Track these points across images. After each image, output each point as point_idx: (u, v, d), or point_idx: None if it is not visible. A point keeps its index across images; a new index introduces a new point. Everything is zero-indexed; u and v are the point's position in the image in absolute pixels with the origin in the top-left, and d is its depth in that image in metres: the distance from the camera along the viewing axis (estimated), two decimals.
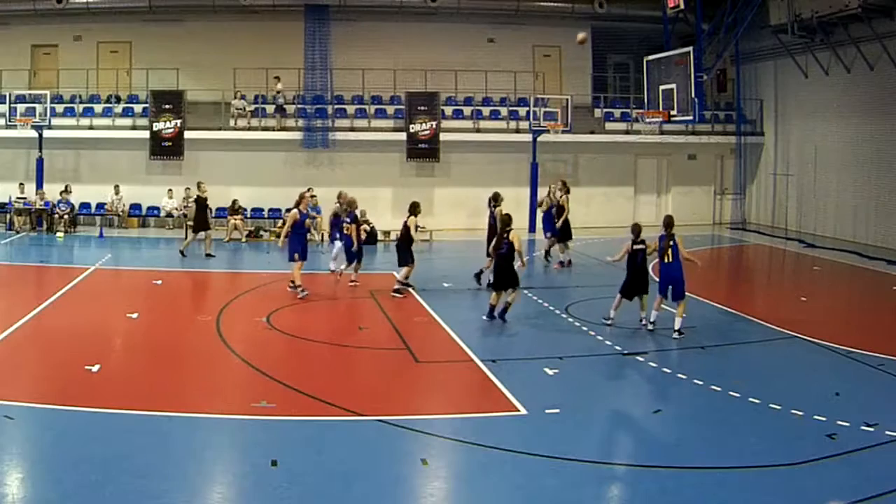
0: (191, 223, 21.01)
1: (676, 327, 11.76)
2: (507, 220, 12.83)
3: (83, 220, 23.66)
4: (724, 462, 7.46)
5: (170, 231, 23.30)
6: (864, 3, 20.04)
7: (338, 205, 15.83)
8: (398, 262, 15.20)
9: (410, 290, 14.89)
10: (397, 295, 14.47)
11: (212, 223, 19.31)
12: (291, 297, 14.37)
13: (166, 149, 23.61)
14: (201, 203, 18.94)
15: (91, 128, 23.95)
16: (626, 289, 12.25)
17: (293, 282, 14.51)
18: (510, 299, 12.68)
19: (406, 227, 15.03)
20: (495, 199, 16.34)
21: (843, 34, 21.95)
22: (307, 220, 14.77)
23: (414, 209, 15.20)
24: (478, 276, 15.42)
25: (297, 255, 14.32)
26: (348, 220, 15.20)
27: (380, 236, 22.53)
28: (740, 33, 24.07)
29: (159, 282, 15.97)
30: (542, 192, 18.86)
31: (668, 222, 12.25)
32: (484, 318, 12.76)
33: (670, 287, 11.89)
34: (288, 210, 23.22)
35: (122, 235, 22.70)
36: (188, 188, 23.06)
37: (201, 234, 19.04)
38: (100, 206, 23.86)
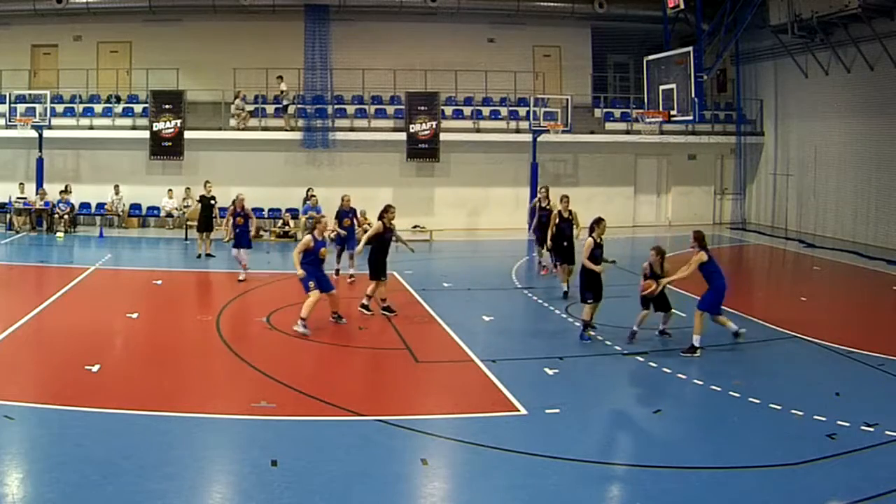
0: (192, 223, 21.04)
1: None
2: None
3: (83, 220, 23.66)
4: (724, 462, 7.46)
5: (170, 231, 23.29)
6: (864, 3, 20.04)
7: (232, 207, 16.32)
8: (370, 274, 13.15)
9: (386, 313, 12.92)
10: (365, 311, 12.91)
11: (216, 224, 19.32)
12: (292, 297, 14.32)
13: (166, 149, 23.61)
14: (205, 202, 18.96)
15: (91, 128, 23.95)
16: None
17: (302, 318, 11.91)
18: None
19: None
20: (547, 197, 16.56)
21: (843, 34, 21.95)
22: (322, 250, 12.12)
23: (384, 213, 13.23)
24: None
25: (312, 284, 11.93)
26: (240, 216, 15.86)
27: None
28: (740, 33, 24.07)
29: (159, 282, 15.97)
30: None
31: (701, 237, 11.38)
32: (585, 340, 11.73)
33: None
34: (289, 211, 23.63)
35: (122, 235, 22.70)
36: (188, 188, 23.08)
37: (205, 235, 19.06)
38: (100, 206, 23.86)
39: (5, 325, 11.44)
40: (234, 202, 16.34)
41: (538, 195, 17.46)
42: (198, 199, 19.99)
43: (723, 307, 11.47)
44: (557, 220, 14.99)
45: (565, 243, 14.68)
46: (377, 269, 12.91)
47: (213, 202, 19.11)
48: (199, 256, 18.74)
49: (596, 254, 11.62)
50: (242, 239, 16.00)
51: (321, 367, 10.65)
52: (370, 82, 25.48)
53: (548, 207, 16.69)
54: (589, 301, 11.68)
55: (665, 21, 24.31)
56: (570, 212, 14.92)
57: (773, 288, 18.42)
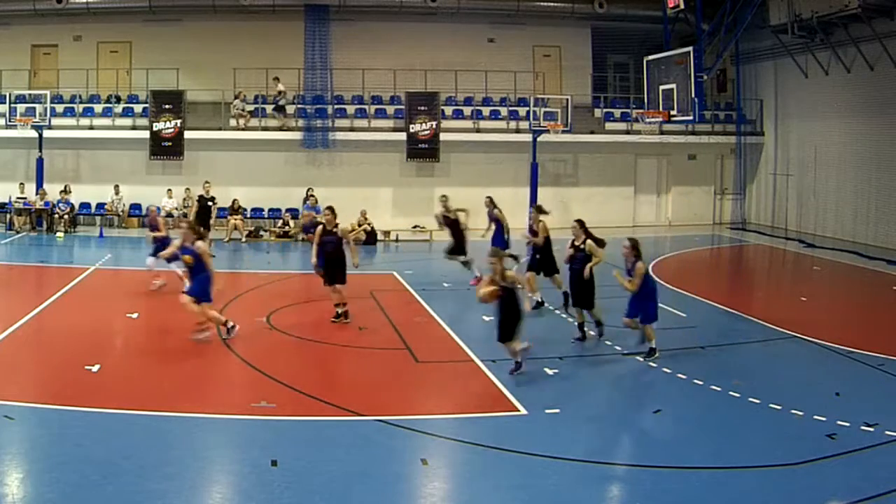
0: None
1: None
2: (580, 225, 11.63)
3: (83, 220, 23.65)
4: (724, 462, 7.46)
5: (170, 231, 23.25)
6: (864, 3, 20.04)
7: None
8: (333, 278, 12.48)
9: (343, 320, 12.46)
10: (344, 320, 12.48)
11: (212, 224, 19.31)
12: (292, 297, 14.33)
13: (166, 149, 23.61)
14: (203, 203, 19.06)
15: (91, 128, 23.94)
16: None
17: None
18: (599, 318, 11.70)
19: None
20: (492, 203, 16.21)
21: (843, 34, 21.95)
22: (186, 257, 11.30)
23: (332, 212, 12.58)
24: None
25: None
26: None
27: (380, 236, 22.57)
28: (740, 33, 24.08)
29: (159, 281, 15.95)
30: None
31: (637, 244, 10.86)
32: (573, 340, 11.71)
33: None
34: (289, 211, 23.63)
35: (122, 235, 22.69)
36: (188, 188, 23.09)
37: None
38: (100, 206, 23.85)
39: (5, 325, 11.44)
40: (148, 216, 15.73)
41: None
42: (196, 198, 20.02)
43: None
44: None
45: (537, 255, 13.92)
46: (326, 274, 12.35)
47: (210, 203, 19.16)
48: None
49: (578, 256, 11.47)
50: (159, 249, 14.60)
51: (321, 367, 10.64)
52: (370, 82, 25.48)
53: (451, 216, 16.15)
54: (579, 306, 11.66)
55: (665, 21, 24.33)
56: (539, 223, 14.01)
57: (773, 288, 18.42)
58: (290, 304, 13.84)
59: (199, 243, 11.22)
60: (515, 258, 16.11)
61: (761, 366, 10.78)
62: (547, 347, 11.37)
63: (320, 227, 12.48)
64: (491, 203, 16.85)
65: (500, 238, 16.29)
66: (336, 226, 12.37)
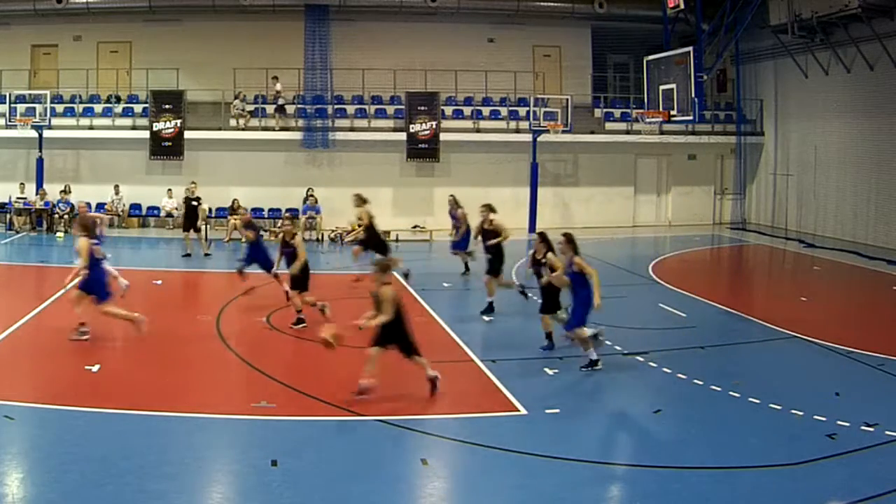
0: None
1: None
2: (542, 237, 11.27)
3: None
4: (724, 462, 7.46)
5: (170, 231, 23.28)
6: (864, 3, 20.05)
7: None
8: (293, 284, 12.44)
9: (302, 325, 12.20)
10: (297, 326, 12.22)
11: (202, 224, 19.32)
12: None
13: (166, 149, 23.62)
14: (188, 203, 19.15)
15: (91, 128, 23.95)
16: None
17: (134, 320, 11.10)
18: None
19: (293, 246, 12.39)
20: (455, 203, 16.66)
21: (843, 34, 21.95)
22: (97, 248, 11.19)
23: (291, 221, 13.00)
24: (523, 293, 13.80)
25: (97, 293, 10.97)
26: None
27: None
28: (740, 33, 24.09)
29: (159, 282, 15.97)
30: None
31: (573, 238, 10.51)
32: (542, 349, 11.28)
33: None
34: (289, 211, 23.62)
35: (122, 235, 22.67)
36: (188, 188, 23.09)
37: (192, 234, 19.08)
38: (100, 206, 23.77)
39: (5, 325, 11.45)
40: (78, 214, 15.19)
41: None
42: (183, 199, 20.01)
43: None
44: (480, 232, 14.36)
45: (489, 256, 13.80)
46: (292, 279, 12.34)
47: (196, 203, 19.20)
48: (186, 255, 18.84)
49: (540, 271, 11.16)
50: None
51: (321, 367, 10.63)
52: (370, 82, 25.49)
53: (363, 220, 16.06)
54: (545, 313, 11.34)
55: (665, 21, 24.33)
56: (490, 222, 14.06)
57: (773, 288, 18.41)
58: (290, 304, 13.81)
59: (82, 239, 10.91)
60: (470, 254, 16.39)
61: (761, 366, 10.79)
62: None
63: (281, 235, 12.60)
64: (455, 203, 16.94)
65: (464, 238, 16.60)
66: (294, 236, 12.43)
